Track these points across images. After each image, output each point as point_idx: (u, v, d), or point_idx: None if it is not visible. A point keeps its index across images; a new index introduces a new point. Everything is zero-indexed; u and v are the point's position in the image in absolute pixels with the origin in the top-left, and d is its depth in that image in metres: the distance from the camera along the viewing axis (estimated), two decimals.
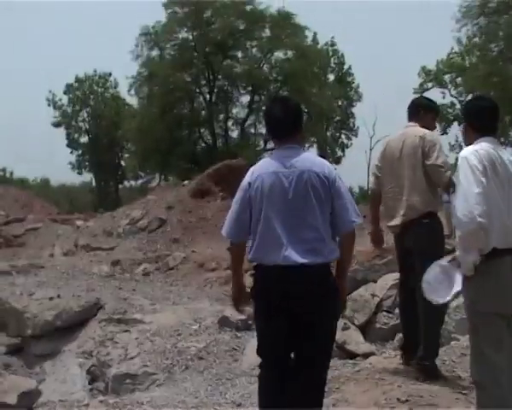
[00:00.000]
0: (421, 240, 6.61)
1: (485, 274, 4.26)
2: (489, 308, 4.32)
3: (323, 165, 4.56)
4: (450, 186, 6.06)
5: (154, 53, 46.96)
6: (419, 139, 6.60)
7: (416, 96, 37.71)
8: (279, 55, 47.52)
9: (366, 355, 9.21)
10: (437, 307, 5.98)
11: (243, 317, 11.25)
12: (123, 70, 74.52)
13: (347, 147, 58.63)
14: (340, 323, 9.94)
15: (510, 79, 35.85)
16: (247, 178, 4.76)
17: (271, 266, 4.55)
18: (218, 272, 16.70)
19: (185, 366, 9.63)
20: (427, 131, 6.72)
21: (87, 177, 67.51)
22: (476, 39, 39.24)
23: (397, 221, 6.82)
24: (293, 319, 4.55)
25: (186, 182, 31.04)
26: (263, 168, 4.67)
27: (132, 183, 64.18)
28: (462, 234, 4.26)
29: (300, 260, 4.38)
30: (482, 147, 4.43)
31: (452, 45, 53.52)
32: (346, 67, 59.04)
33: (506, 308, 4.34)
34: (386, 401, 5.53)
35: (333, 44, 58.05)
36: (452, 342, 8.06)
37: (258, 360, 5.68)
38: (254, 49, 47.26)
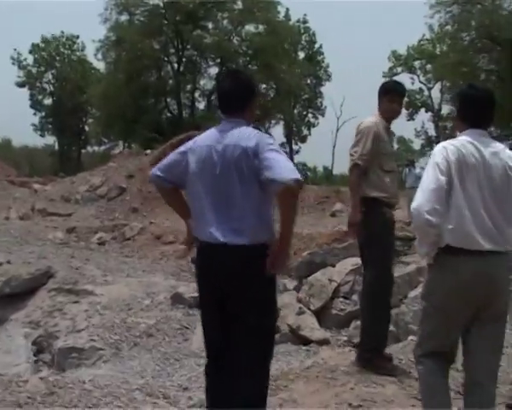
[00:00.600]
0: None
1: (442, 267, 4.15)
2: (440, 302, 4.16)
3: (252, 137, 4.12)
4: (350, 174, 6.29)
5: (123, 18, 46.28)
6: (355, 129, 6.55)
7: (386, 79, 37.59)
8: (250, 28, 47.24)
9: (320, 342, 8.99)
10: (380, 296, 6.21)
11: (195, 294, 10.97)
12: (91, 33, 73.43)
13: (314, 126, 58.55)
14: (295, 307, 9.73)
15: (479, 69, 35.85)
16: (188, 144, 4.42)
17: (204, 243, 4.22)
18: (175, 245, 16.37)
19: (133, 342, 9.28)
20: (370, 119, 6.43)
21: (50, 140, 66.58)
22: (448, 27, 39.11)
23: None
24: (224, 303, 4.23)
25: (149, 151, 30.58)
26: (202, 140, 4.33)
27: (95, 148, 63.45)
28: (413, 226, 4.48)
29: (222, 239, 4.09)
30: (457, 142, 4.21)
31: (424, 32, 53.69)
32: (316, 45, 58.79)
33: (459, 305, 4.13)
34: (337, 404, 5.26)
35: (305, 22, 57.74)
36: (410, 338, 7.79)
37: None
38: (225, 21, 46.76)
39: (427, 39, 55.38)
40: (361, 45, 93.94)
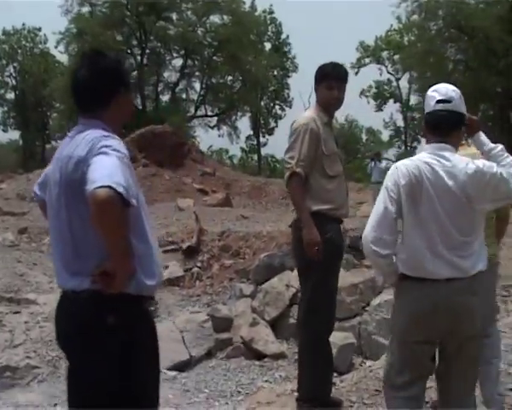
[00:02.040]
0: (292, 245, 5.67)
1: (401, 295, 3.90)
2: (401, 333, 3.90)
3: (87, 143, 3.12)
4: (288, 186, 5.22)
5: (85, 9, 45.18)
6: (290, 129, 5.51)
7: (355, 70, 36.82)
8: (215, 19, 46.37)
9: (276, 356, 8.30)
10: (318, 335, 5.24)
11: None
12: (53, 25, 71.98)
13: (281, 118, 57.84)
14: (250, 317, 9.00)
15: (447, 59, 35.42)
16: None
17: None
18: None
19: None
20: (306, 114, 5.44)
21: (15, 135, 65.17)
22: (415, 16, 38.69)
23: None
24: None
25: None
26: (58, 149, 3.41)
27: (60, 142, 62.19)
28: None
29: (61, 283, 3.30)
30: (411, 162, 3.82)
31: (391, 22, 53.35)
32: (283, 36, 58.15)
33: (421, 337, 3.81)
34: None
35: (271, 12, 57.01)
36: (368, 364, 7.10)
37: None
38: (189, 12, 45.81)
39: (394, 30, 55.19)
40: (329, 36, 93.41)
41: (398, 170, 3.78)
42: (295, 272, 10.04)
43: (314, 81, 5.44)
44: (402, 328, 3.85)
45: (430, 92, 4.04)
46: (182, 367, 7.98)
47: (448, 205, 3.68)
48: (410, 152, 52.39)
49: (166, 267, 13.58)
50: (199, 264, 13.75)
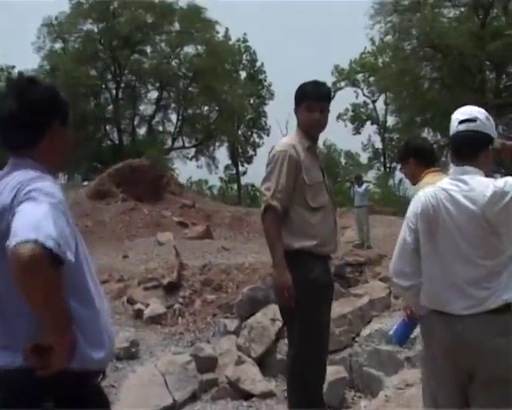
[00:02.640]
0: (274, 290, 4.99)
1: (424, 324, 3.78)
2: (428, 359, 3.78)
3: (12, 189, 2.61)
4: (263, 220, 4.68)
5: (58, 45, 44.87)
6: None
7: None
8: (189, 50, 46.16)
9: (264, 395, 7.88)
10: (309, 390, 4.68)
11: (125, 344, 9.79)
12: (27, 63, 71.64)
13: (259, 146, 57.68)
14: (235, 355, 8.60)
15: (422, 77, 35.45)
16: None
17: None
18: (110, 284, 15.08)
19: None
20: (285, 140, 4.98)
21: None
22: (389, 37, 38.76)
23: None
24: None
25: (86, 182, 29.41)
26: None
27: None
28: None
29: None
30: (431, 189, 3.66)
31: (365, 45, 53.55)
32: (258, 64, 58.14)
33: (443, 367, 3.61)
34: None
35: (245, 41, 56.99)
36: (363, 404, 6.73)
37: (136, 404, 4.37)
38: (163, 44, 45.67)
39: (368, 52, 55.42)
40: (304, 62, 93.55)
41: (418, 199, 3.68)
42: None
43: (294, 102, 4.96)
44: (428, 353, 3.74)
45: (453, 115, 3.83)
46: None
47: (468, 233, 3.44)
48: (388, 173, 52.37)
49: (147, 305, 13.19)
50: (180, 300, 13.35)
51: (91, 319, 2.70)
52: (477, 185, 3.45)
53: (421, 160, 5.21)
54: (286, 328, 5.00)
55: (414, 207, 3.67)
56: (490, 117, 3.68)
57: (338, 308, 8.92)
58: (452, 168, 3.67)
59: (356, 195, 18.49)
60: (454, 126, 3.75)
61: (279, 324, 9.15)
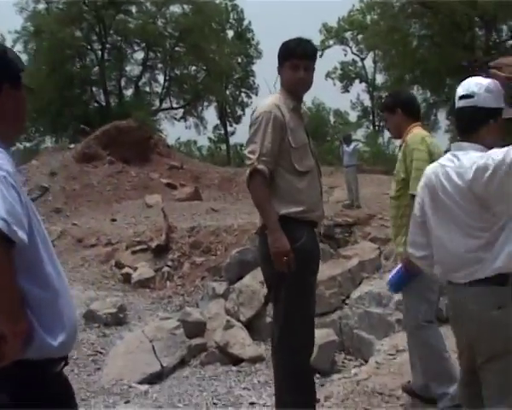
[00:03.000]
0: (258, 257, 4.82)
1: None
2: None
3: None
4: (250, 185, 4.42)
5: (41, 6, 43.94)
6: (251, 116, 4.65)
7: (319, 53, 36.77)
8: (175, 9, 45.35)
9: (253, 360, 7.81)
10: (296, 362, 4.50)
11: (113, 310, 9.68)
12: (9, 24, 70.57)
13: (247, 106, 57.16)
14: (224, 319, 8.49)
15: (411, 35, 35.05)
16: None
17: None
18: (98, 248, 14.99)
19: None
20: (268, 100, 4.62)
21: None
22: None
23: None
24: None
25: (72, 145, 29.07)
26: None
27: (27, 145, 60.89)
28: None
29: None
30: (436, 163, 3.73)
31: (353, 2, 52.99)
32: (245, 23, 57.49)
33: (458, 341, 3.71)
34: None
35: None
36: (353, 371, 6.61)
37: (123, 372, 4.20)
38: (148, 4, 44.83)
39: (357, 9, 54.79)
40: (291, 19, 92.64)
41: (424, 175, 3.75)
42: None
43: (278, 61, 4.71)
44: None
45: (458, 88, 3.71)
46: (153, 379, 7.47)
47: (463, 207, 3.44)
48: (378, 132, 52.19)
49: (135, 269, 13.09)
50: (169, 263, 13.26)
51: (49, 302, 2.48)
52: (466, 161, 3.43)
53: (409, 112, 5.17)
54: (272, 301, 4.75)
55: (421, 182, 3.75)
56: (495, 88, 3.51)
57: (327, 270, 8.82)
58: (453, 144, 3.71)
59: (344, 154, 18.17)
60: (456, 102, 3.68)
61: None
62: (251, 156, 4.39)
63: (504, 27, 33.64)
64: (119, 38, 44.97)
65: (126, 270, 13.20)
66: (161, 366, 7.59)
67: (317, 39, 55.07)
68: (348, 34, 56.97)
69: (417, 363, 4.92)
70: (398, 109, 5.13)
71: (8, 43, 50.46)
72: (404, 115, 5.11)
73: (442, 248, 3.57)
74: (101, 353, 8.56)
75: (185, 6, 44.85)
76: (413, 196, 4.47)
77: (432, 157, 4.71)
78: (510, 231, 3.34)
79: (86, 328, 9.45)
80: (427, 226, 3.68)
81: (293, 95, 4.64)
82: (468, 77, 3.70)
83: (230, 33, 56.27)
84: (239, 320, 8.50)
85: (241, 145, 58.35)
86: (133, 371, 7.41)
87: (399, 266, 4.95)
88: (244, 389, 7.01)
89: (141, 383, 7.26)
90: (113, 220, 18.14)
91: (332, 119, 65.25)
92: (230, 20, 56.56)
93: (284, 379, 4.54)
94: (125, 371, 7.41)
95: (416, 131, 5.00)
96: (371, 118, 57.39)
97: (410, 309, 4.99)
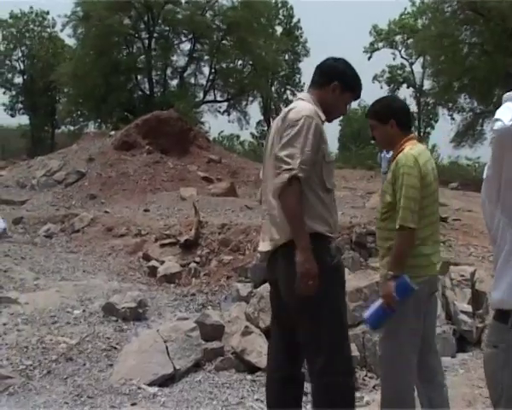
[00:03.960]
0: (283, 278, 4.37)
1: None
2: None
3: None
4: (284, 194, 4.05)
5: None
6: (281, 120, 4.35)
7: (367, 55, 36.25)
8: (224, 2, 45.26)
9: None
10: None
11: (132, 304, 9.44)
12: (60, 9, 71.12)
13: None
14: (242, 325, 8.18)
15: (462, 41, 34.41)
16: None
17: None
18: (127, 238, 14.82)
19: (47, 369, 7.68)
20: (308, 105, 4.32)
21: (23, 119, 64.39)
22: None
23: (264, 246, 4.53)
24: None
25: (113, 132, 29.05)
26: None
27: (71, 128, 61.36)
28: None
29: None
30: None
31: (406, 6, 52.38)
32: (294, 20, 57.18)
33: None
34: None
35: None
36: (366, 400, 6.29)
37: (133, 372, 3.93)
38: None
39: (408, 13, 54.13)
40: (341, 19, 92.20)
41: None
42: None
43: (328, 77, 4.47)
44: None
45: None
46: (165, 382, 7.19)
47: None
48: (423, 138, 51.47)
49: (162, 263, 12.89)
50: (197, 259, 13.02)
51: None
52: None
53: (403, 124, 4.72)
54: (302, 324, 4.34)
55: None
56: None
57: (354, 281, 8.48)
58: None
59: (383, 161, 17.66)
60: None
61: None
62: (289, 161, 4.04)
63: None
64: (167, 28, 45.14)
65: (153, 263, 13.01)
66: (174, 368, 7.31)
67: (366, 41, 54.69)
68: (398, 38, 56.34)
69: None
70: (391, 120, 4.67)
71: (59, 28, 50.92)
72: (398, 127, 4.68)
73: None
74: (115, 348, 8.31)
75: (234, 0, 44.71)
76: (402, 228, 4.26)
77: (424, 180, 4.42)
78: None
79: (104, 321, 9.21)
80: None
81: (325, 114, 4.41)
82: None
83: (279, 30, 56.05)
84: (258, 327, 8.19)
85: None
86: (144, 371, 7.14)
87: (379, 301, 4.54)
88: (257, 400, 6.70)
89: (151, 384, 6.99)
90: (146, 211, 17.98)
91: None
92: (280, 17, 56.30)
93: (334, 398, 4.23)
94: (136, 370, 7.15)
95: (409, 150, 4.52)
96: (417, 124, 56.66)
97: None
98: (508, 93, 2.79)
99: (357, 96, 4.63)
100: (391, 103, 4.89)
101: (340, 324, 4.29)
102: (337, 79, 4.44)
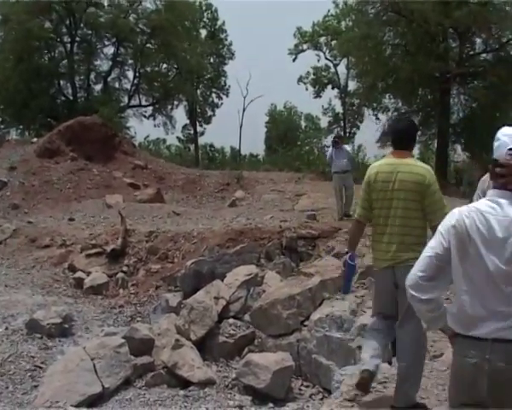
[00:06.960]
0: None
1: (453, 353, 3.54)
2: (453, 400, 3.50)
3: None
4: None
5: None
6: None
7: (292, 57, 36.18)
8: (147, 5, 44.57)
9: (203, 384, 7.24)
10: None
11: (58, 320, 9.07)
12: None
13: (218, 106, 56.66)
14: (171, 339, 7.91)
15: (385, 42, 34.73)
16: None
17: None
18: (51, 249, 14.34)
19: None
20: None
21: None
22: (353, 1, 37.87)
23: None
24: None
25: (35, 139, 28.28)
26: None
27: None
28: None
29: None
30: (469, 206, 3.48)
31: (329, 7, 52.68)
32: (219, 22, 56.87)
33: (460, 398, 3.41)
34: None
35: None
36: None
37: (59, 393, 3.65)
38: None
39: (332, 15, 54.44)
40: (265, 22, 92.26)
41: (453, 215, 3.48)
42: (226, 280, 9.07)
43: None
44: (450, 388, 3.52)
45: (502, 136, 3.48)
46: (93, 402, 6.88)
47: (499, 259, 3.24)
48: (349, 138, 51.86)
49: (88, 274, 12.51)
50: (125, 268, 12.69)
51: None
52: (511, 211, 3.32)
53: (392, 141, 5.49)
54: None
55: (448, 223, 3.48)
56: None
57: (286, 288, 8.32)
58: (492, 190, 3.46)
59: (335, 158, 15.62)
60: (503, 153, 3.42)
61: (223, 302, 8.53)
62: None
63: (478, 40, 33.45)
64: (89, 32, 44.08)
65: (79, 274, 12.62)
66: (103, 387, 7.01)
67: (290, 43, 54.81)
68: (322, 39, 56.65)
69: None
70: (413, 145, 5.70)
71: None
72: (391, 144, 5.53)
73: (464, 300, 3.36)
74: (40, 368, 7.96)
75: (158, 2, 44.20)
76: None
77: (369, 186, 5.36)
78: None
79: (28, 338, 8.83)
80: (440, 270, 3.45)
81: None
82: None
83: (204, 32, 55.67)
84: (189, 339, 7.93)
85: (211, 145, 57.84)
86: (71, 391, 6.82)
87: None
88: None
89: (78, 405, 6.68)
90: (71, 220, 17.46)
91: (303, 123, 65.07)
92: (204, 19, 55.94)
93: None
94: (63, 391, 6.82)
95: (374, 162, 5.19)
96: (342, 124, 57.09)
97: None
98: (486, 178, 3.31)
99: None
100: (390, 125, 5.66)
101: None
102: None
